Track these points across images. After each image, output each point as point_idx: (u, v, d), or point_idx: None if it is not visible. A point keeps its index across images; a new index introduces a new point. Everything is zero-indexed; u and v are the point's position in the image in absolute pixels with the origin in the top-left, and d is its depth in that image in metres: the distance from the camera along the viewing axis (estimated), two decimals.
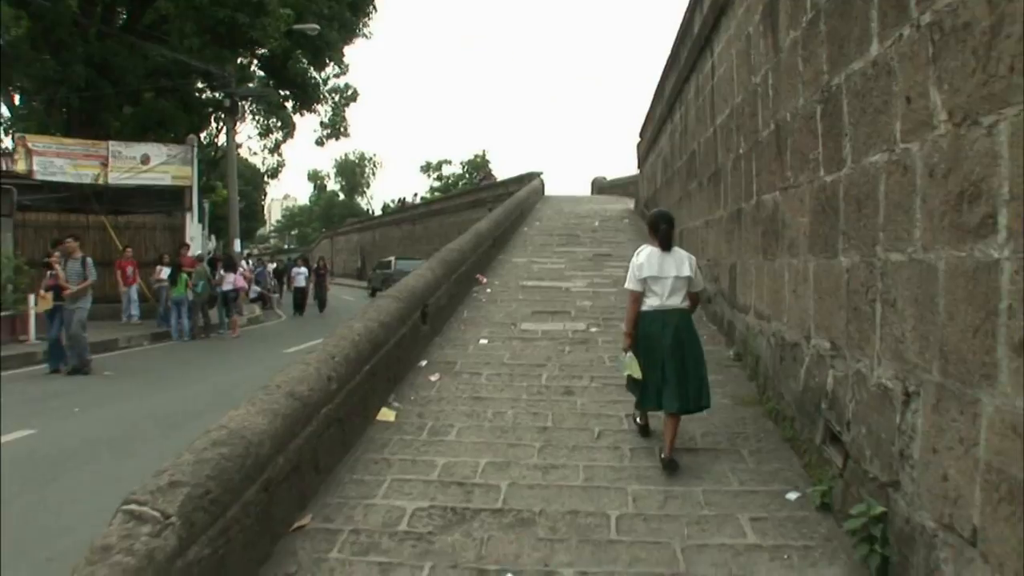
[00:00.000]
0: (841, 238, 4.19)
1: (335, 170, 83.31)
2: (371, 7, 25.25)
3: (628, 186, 27.05)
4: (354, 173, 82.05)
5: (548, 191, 27.41)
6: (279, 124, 49.96)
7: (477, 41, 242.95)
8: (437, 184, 73.14)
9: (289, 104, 27.16)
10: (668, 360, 4.93)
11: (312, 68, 25.58)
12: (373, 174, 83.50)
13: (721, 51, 8.01)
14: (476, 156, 73.37)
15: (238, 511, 3.40)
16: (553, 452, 5.02)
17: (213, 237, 46.55)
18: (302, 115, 26.53)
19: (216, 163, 48.88)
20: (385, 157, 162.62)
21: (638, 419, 5.47)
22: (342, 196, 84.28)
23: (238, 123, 49.38)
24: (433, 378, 6.63)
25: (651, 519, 4.08)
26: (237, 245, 20.78)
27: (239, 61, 26.44)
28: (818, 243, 4.61)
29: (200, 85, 25.97)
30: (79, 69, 18.91)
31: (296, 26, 19.33)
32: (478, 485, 4.51)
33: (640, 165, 20.47)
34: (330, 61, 26.73)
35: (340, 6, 22.33)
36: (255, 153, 57.62)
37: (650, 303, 5.07)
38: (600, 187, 31.97)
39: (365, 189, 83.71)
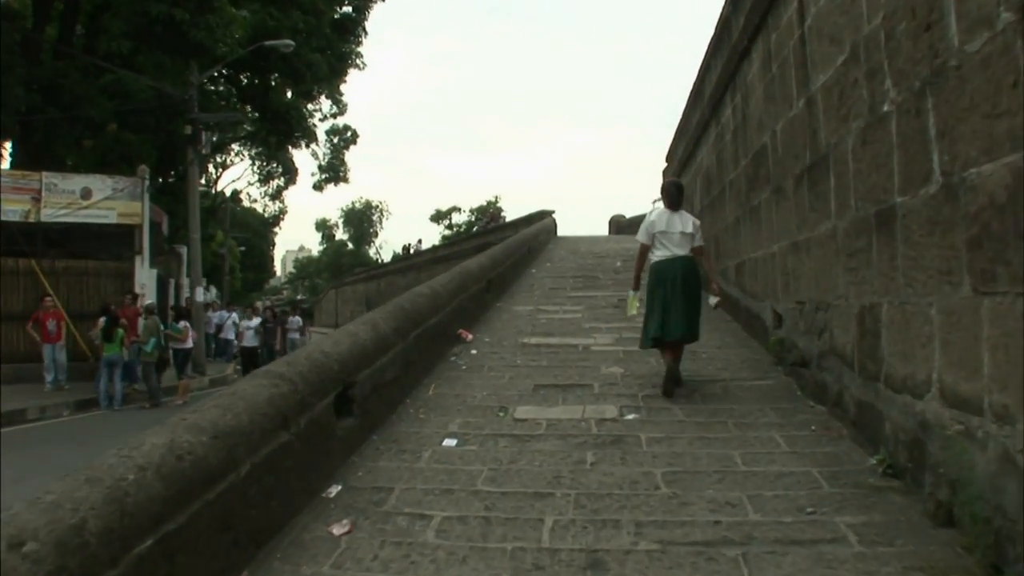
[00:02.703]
0: None
1: (342, 219, 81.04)
2: (360, 29, 22.65)
3: None
4: (361, 222, 79.69)
5: (562, 232, 24.47)
6: (280, 169, 47.93)
7: (486, 83, 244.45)
8: (448, 232, 70.72)
9: (274, 140, 24.41)
10: (676, 296, 5.85)
11: (296, 96, 22.90)
12: (381, 223, 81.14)
13: None
14: (488, 202, 70.88)
15: None
16: None
17: (213, 288, 44.14)
18: (286, 151, 23.81)
19: (214, 211, 46.66)
20: (396, 205, 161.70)
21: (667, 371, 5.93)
22: (351, 246, 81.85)
23: (232, 165, 47.52)
24: (338, 530, 3.53)
25: None
26: (199, 294, 17.79)
27: (234, 106, 23.91)
28: None
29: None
30: (19, 92, 16.26)
31: (268, 43, 16.70)
32: None
33: None
34: (319, 92, 24.14)
35: (319, 23, 19.72)
36: (255, 200, 55.59)
37: (661, 253, 6.07)
38: (619, 226, 28.91)
39: (374, 238, 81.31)
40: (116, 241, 17.09)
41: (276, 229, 63.13)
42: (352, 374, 4.63)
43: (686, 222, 6.13)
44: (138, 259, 16.23)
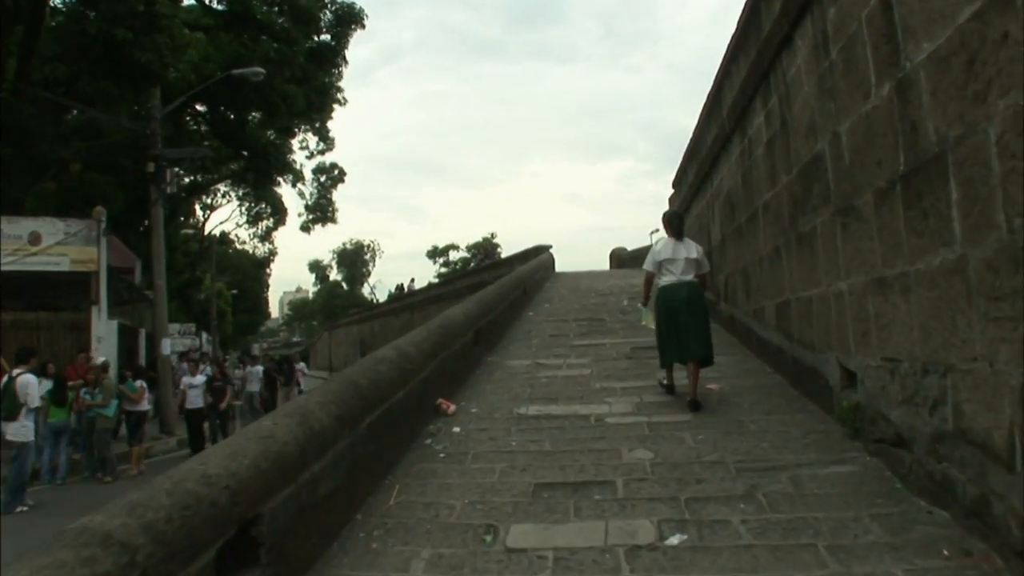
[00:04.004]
0: None
1: (335, 260, 79.82)
2: (340, 59, 21.27)
3: None
4: (354, 263, 78.44)
5: (560, 268, 22.92)
6: (268, 210, 46.57)
7: (479, 120, 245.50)
8: (444, 270, 69.49)
9: (252, 177, 22.97)
10: (686, 319, 6.28)
11: (276, 131, 21.47)
12: (373, 262, 79.88)
13: None
14: (484, 239, 69.72)
15: None
16: None
17: (204, 335, 42.46)
18: (271, 190, 22.39)
19: (203, 254, 45.21)
20: (392, 244, 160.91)
21: (664, 380, 6.79)
22: (345, 286, 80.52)
23: (220, 206, 46.14)
24: None
25: None
26: (165, 347, 16.18)
27: (214, 145, 22.54)
28: None
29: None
30: None
31: (236, 71, 15.34)
32: None
33: None
34: (300, 128, 22.74)
35: (293, 52, 18.38)
36: (244, 242, 54.25)
37: (668, 280, 6.53)
38: (621, 259, 27.36)
39: (367, 279, 80.00)
40: (72, 290, 15.56)
41: (268, 270, 61.80)
42: (256, 504, 3.03)
43: (690, 248, 6.64)
44: (95, 309, 14.66)
